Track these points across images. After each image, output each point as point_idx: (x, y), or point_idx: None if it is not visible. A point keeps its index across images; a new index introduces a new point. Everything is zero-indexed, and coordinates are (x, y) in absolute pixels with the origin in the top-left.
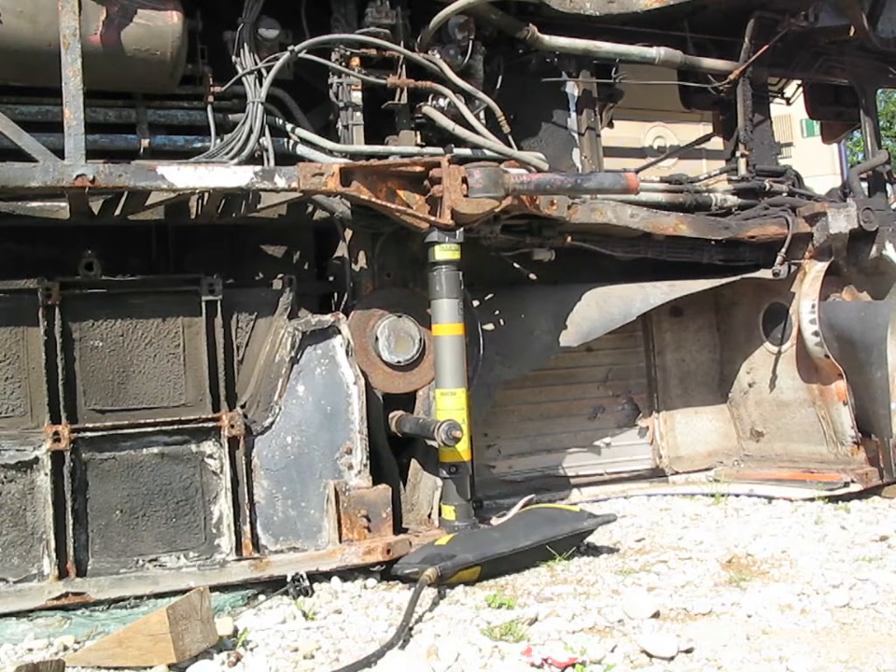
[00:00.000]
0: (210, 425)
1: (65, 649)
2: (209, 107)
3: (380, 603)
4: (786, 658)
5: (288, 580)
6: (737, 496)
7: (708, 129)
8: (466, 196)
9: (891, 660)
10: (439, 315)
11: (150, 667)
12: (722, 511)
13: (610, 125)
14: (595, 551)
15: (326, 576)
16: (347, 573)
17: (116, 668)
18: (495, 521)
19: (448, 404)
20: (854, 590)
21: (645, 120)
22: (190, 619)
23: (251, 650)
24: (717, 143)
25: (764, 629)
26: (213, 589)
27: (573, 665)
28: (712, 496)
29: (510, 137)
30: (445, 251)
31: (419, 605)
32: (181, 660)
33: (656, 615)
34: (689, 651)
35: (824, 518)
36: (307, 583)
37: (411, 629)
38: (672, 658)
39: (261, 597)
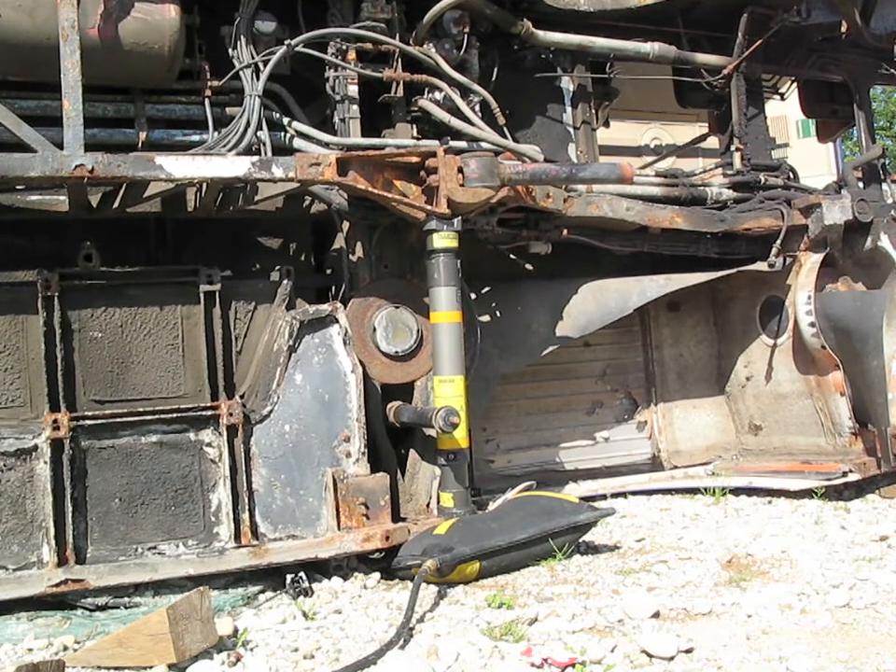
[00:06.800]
0: (209, 413)
1: (65, 649)
2: (207, 102)
3: (380, 603)
4: (786, 658)
5: (288, 581)
6: (737, 494)
7: (704, 129)
8: (462, 185)
9: (891, 660)
10: (437, 303)
11: (150, 667)
12: (722, 511)
13: (607, 125)
14: (594, 550)
15: (324, 566)
16: (347, 572)
17: (116, 668)
18: (492, 505)
19: (446, 392)
20: (854, 590)
21: (642, 121)
22: (190, 619)
23: (251, 650)
24: (713, 142)
25: (764, 629)
26: (212, 576)
27: (573, 665)
28: (712, 494)
29: (505, 130)
30: (443, 239)
31: (419, 605)
32: (181, 660)
33: (656, 615)
34: (689, 650)
35: (824, 518)
36: (307, 584)
37: (411, 628)
38: (672, 658)
39: (261, 597)
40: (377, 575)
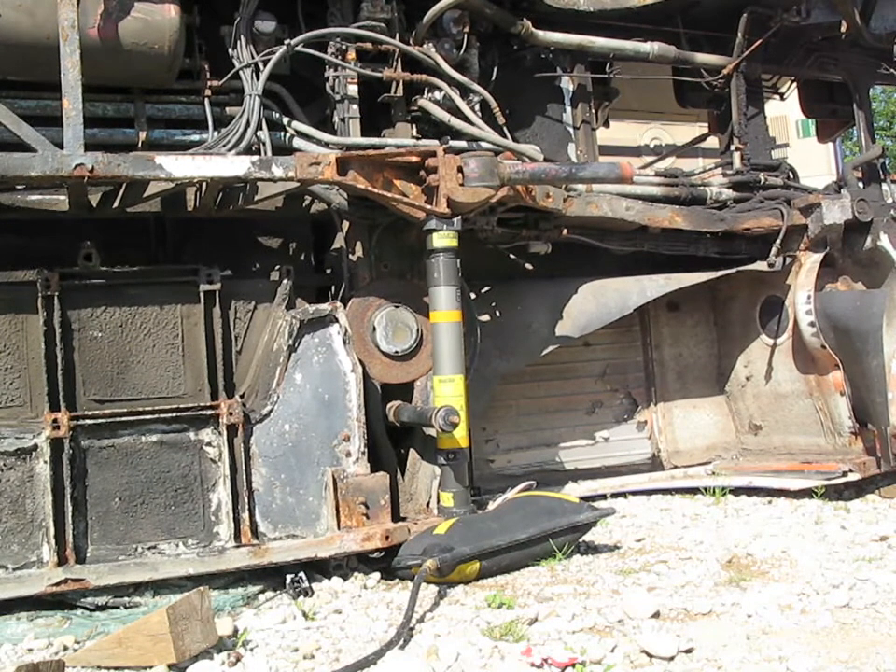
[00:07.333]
0: (209, 412)
1: (65, 649)
2: (206, 101)
3: (380, 603)
4: (786, 658)
5: (288, 581)
6: (737, 494)
7: (704, 129)
8: (461, 185)
9: (891, 660)
10: (437, 303)
11: (150, 667)
12: (722, 511)
13: (606, 125)
14: (594, 550)
15: (324, 565)
16: (347, 572)
17: (116, 668)
18: (491, 505)
19: (446, 391)
20: (854, 590)
21: (642, 121)
22: (190, 619)
23: (251, 650)
24: (713, 142)
25: (764, 629)
26: (212, 576)
27: (573, 665)
28: (712, 494)
29: (505, 130)
30: (443, 238)
31: (419, 605)
32: (181, 660)
33: (656, 615)
34: (689, 651)
35: (824, 518)
36: (307, 584)
37: (411, 628)
38: (672, 658)
39: (261, 597)
40: (377, 575)
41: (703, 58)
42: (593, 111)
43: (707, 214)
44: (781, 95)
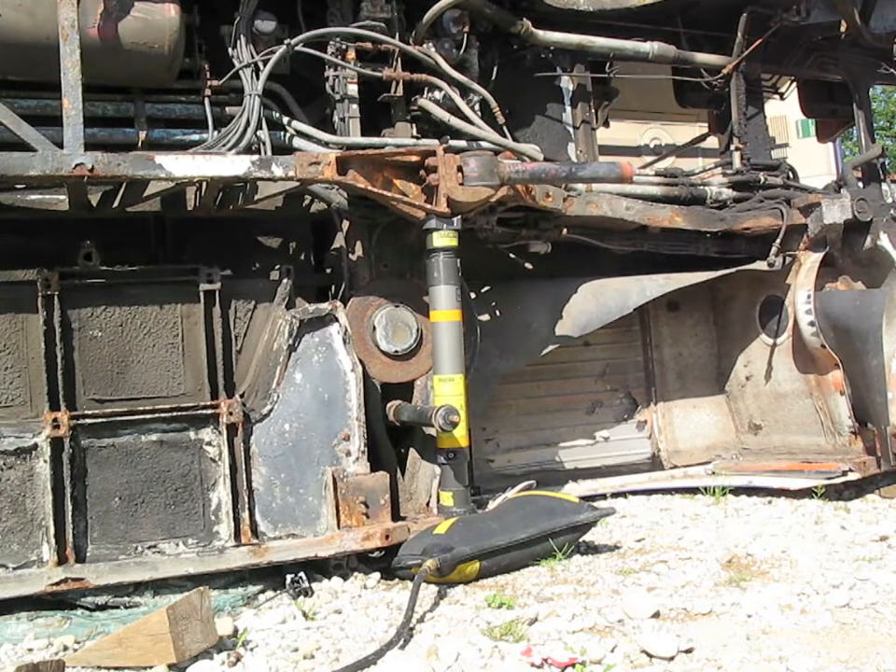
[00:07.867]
0: (208, 412)
1: (65, 649)
2: (206, 101)
3: (380, 603)
4: (786, 658)
5: (288, 581)
6: (737, 494)
7: (704, 129)
8: (461, 184)
9: (891, 660)
10: (437, 302)
11: (150, 667)
12: (722, 511)
13: (606, 125)
14: (594, 550)
15: (324, 565)
16: (347, 572)
17: (116, 668)
18: (492, 504)
19: (446, 390)
20: (854, 590)
21: (642, 121)
22: (190, 619)
23: (251, 650)
24: (713, 142)
25: (764, 629)
26: (212, 575)
27: (573, 665)
28: (712, 494)
29: (505, 130)
30: (443, 238)
31: (419, 605)
32: (181, 660)
33: (656, 615)
34: (689, 651)
35: (824, 518)
36: (307, 584)
37: (411, 628)
38: (672, 658)
39: (261, 597)
40: (377, 575)
41: (703, 58)
42: (593, 111)
43: (706, 213)
44: (781, 95)
